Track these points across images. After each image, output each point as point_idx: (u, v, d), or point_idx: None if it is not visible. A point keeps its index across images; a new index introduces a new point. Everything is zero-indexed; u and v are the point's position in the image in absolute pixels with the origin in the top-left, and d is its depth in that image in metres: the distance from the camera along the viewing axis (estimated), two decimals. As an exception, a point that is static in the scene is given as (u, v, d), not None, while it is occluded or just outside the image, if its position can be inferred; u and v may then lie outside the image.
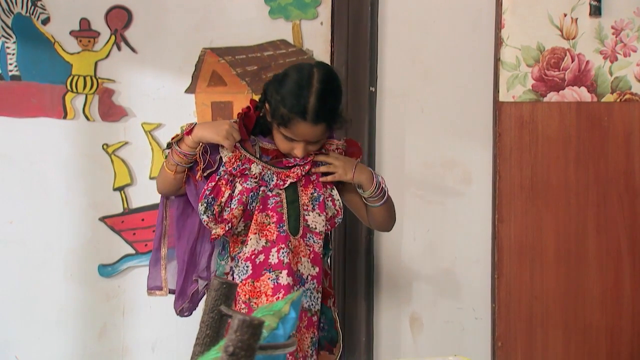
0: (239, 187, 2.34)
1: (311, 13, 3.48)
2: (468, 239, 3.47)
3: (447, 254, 3.51)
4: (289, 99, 2.31)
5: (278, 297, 2.24)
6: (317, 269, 2.36)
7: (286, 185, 2.36)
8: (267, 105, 2.40)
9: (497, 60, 3.34)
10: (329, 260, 2.51)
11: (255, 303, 2.31)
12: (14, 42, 3.47)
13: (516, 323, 3.32)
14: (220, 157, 2.39)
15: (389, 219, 2.52)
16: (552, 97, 3.32)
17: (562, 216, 3.30)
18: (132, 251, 3.54)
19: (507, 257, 3.31)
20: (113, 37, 3.50)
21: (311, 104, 2.28)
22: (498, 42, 3.33)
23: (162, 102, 3.52)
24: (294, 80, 2.33)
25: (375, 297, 3.53)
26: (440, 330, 3.51)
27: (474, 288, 3.48)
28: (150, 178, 3.54)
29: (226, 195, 2.32)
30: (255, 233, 2.32)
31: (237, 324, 1.24)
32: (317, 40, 3.50)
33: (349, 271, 3.52)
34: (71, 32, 3.50)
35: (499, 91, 3.33)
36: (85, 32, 3.50)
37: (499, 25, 3.33)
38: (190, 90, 3.51)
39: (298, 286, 2.32)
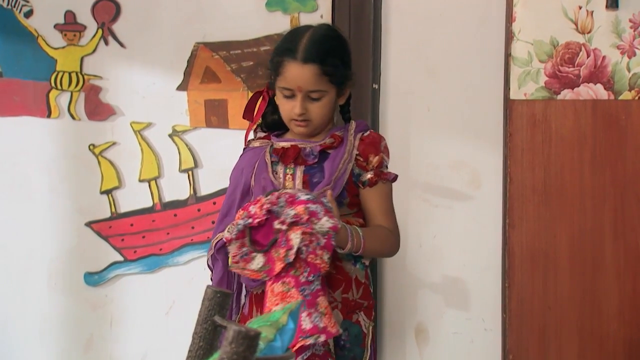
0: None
1: (310, 5, 3.48)
2: (477, 245, 3.47)
3: (454, 261, 3.51)
4: (281, 44, 2.38)
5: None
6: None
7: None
8: (268, 83, 2.44)
9: (507, 55, 3.33)
10: (363, 268, 2.42)
11: None
12: (-5, 36, 3.47)
13: (528, 334, 3.32)
14: None
15: (380, 255, 2.53)
16: (567, 94, 3.31)
17: (577, 221, 3.29)
18: (121, 258, 3.54)
19: (518, 264, 3.31)
20: (100, 31, 3.50)
21: (302, 43, 2.32)
22: (509, 37, 3.33)
23: (152, 100, 3.51)
24: (289, 32, 2.42)
25: (379, 308, 3.53)
26: (447, 342, 3.51)
27: (483, 297, 3.48)
28: (140, 181, 3.53)
29: None
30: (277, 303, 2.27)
31: (232, 335, 1.24)
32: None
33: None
34: (55, 26, 3.50)
35: (509, 88, 3.32)
36: (70, 26, 3.50)
37: (509, 19, 3.32)
38: (182, 87, 3.51)
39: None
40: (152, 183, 3.51)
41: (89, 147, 3.53)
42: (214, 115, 3.50)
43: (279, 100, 2.39)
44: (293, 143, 2.40)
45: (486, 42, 3.45)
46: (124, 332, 3.55)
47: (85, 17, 3.50)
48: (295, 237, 2.17)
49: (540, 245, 3.30)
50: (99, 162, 3.53)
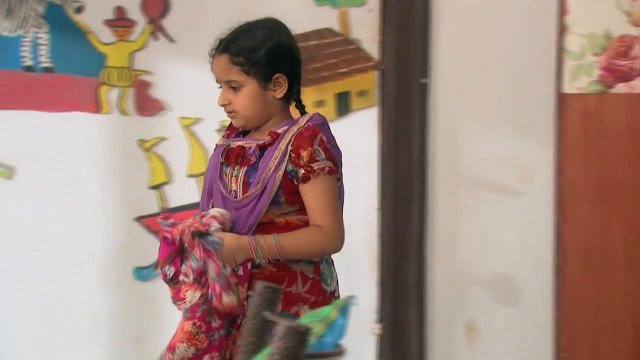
0: None
1: (358, 0, 3.47)
2: (528, 241, 3.44)
3: (505, 257, 3.48)
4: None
5: None
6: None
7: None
8: None
9: (560, 49, 3.30)
10: (310, 264, 2.36)
11: None
12: (46, 32, 3.50)
13: (581, 333, 3.28)
14: None
15: (308, 256, 2.37)
16: (621, 88, 3.27)
17: (632, 217, 3.25)
18: (170, 253, 3.55)
19: (571, 261, 3.27)
20: (149, 27, 3.52)
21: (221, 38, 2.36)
22: (561, 30, 3.29)
23: (201, 95, 3.52)
24: None
25: (427, 304, 3.51)
26: (497, 340, 3.48)
27: (534, 294, 3.44)
28: (188, 176, 3.55)
29: None
30: None
31: (283, 330, 1.24)
32: (365, 28, 3.49)
33: (399, 276, 3.50)
34: (105, 22, 3.52)
35: (562, 82, 3.29)
36: (120, 22, 3.52)
37: (562, 12, 3.29)
38: (230, 82, 3.51)
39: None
40: (201, 178, 3.53)
41: (138, 142, 3.56)
42: (263, 110, 3.50)
43: None
44: (241, 143, 2.38)
45: (537, 35, 3.41)
46: (174, 327, 3.57)
47: (134, 12, 3.52)
48: (189, 295, 2.27)
49: (594, 241, 3.27)
50: (148, 158, 3.55)
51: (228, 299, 2.25)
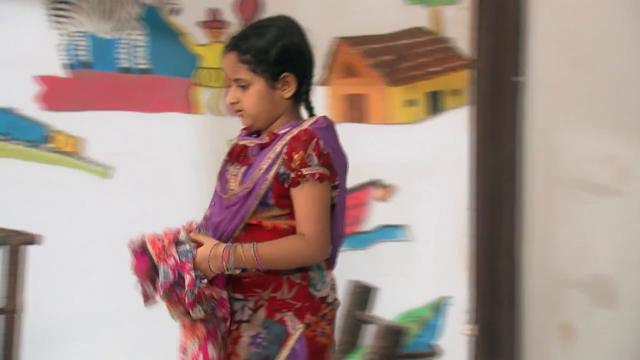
0: None
1: (453, -4, 3.45)
2: (627, 242, 3.37)
3: (601, 258, 3.42)
4: None
5: None
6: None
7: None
8: None
9: (659, 45, 3.22)
10: (298, 270, 2.29)
11: None
12: (143, 34, 3.57)
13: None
14: None
15: (289, 265, 2.28)
16: None
17: None
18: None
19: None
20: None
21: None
22: (661, 25, 3.21)
23: (294, 95, 3.55)
24: None
25: (521, 305, 3.47)
26: (594, 342, 3.43)
27: (632, 296, 3.38)
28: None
29: None
30: None
31: (379, 330, 1.24)
32: (458, 26, 3.46)
33: (490, 276, 3.47)
34: (200, 23, 3.57)
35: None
36: (214, 23, 3.57)
37: (661, 7, 3.21)
38: (321, 82, 3.53)
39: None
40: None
41: (230, 142, 3.59)
42: (354, 110, 3.51)
43: None
44: (245, 141, 2.33)
45: (635, 32, 3.34)
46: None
47: (228, 14, 3.56)
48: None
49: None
50: (240, 157, 3.59)
51: (197, 314, 2.23)
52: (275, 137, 2.28)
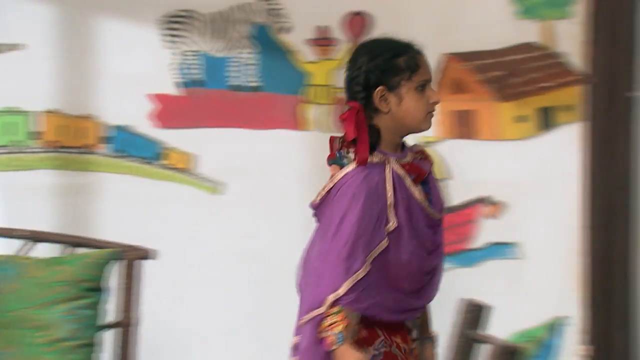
0: None
1: (565, 12, 3.39)
2: None
3: None
4: (389, 48, 2.28)
5: None
6: None
7: None
8: (376, 93, 2.23)
9: None
10: None
11: None
12: (254, 53, 3.63)
13: None
14: None
15: None
16: None
17: None
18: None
19: None
20: (352, 45, 3.57)
21: (404, 40, 2.30)
22: None
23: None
24: (376, 47, 2.29)
25: (636, 325, 3.38)
26: None
27: None
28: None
29: None
30: None
31: (495, 350, 1.22)
32: (570, 41, 3.40)
33: (604, 295, 3.40)
34: (309, 41, 3.61)
35: None
36: (323, 41, 3.60)
37: None
38: (430, 98, 3.51)
39: None
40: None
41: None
42: (463, 126, 3.48)
43: (410, 100, 2.23)
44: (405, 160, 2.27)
45: None
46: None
47: (337, 31, 3.59)
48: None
49: None
50: (348, 173, 3.60)
51: None
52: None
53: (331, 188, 2.24)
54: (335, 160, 2.28)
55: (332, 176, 2.26)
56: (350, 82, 2.27)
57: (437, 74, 3.51)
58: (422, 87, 2.25)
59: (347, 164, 2.23)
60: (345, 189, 2.20)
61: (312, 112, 3.63)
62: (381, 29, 3.55)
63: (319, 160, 3.61)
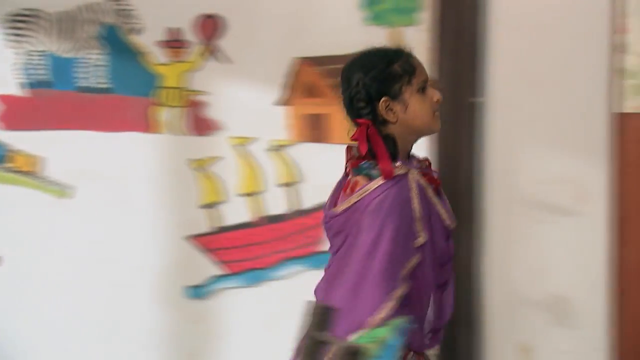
0: None
1: (412, 19, 3.46)
2: (584, 262, 3.39)
3: (561, 277, 3.44)
4: (385, 55, 2.23)
5: None
6: None
7: None
8: (381, 105, 2.20)
9: (616, 67, 3.26)
10: None
11: None
12: (103, 54, 3.56)
13: (640, 356, 3.22)
14: None
15: None
16: (679, 107, 3.22)
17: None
18: (221, 272, 3.57)
19: (633, 283, 3.22)
20: (204, 47, 3.55)
21: (399, 47, 2.27)
22: (618, 48, 3.25)
23: (254, 115, 3.55)
24: (367, 60, 2.24)
25: (479, 326, 3.48)
26: (553, 362, 3.44)
27: (590, 316, 3.39)
28: (240, 195, 3.57)
29: None
30: None
31: (336, 351, 1.23)
32: (417, 47, 3.47)
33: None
34: (160, 42, 3.57)
35: (620, 101, 3.25)
36: (175, 43, 3.57)
37: (617, 30, 3.25)
38: (282, 101, 3.53)
39: None
40: (253, 197, 3.55)
41: (190, 161, 3.59)
42: (316, 129, 3.51)
43: (415, 103, 2.21)
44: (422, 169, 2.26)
45: (591, 54, 3.37)
46: (225, 347, 3.58)
47: (189, 33, 3.56)
48: None
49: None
50: (201, 176, 3.58)
51: None
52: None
53: (357, 201, 2.16)
54: (359, 169, 2.21)
55: (352, 186, 2.19)
56: (350, 100, 2.21)
57: (289, 77, 3.53)
58: (423, 88, 2.23)
59: (377, 176, 2.16)
60: (378, 205, 2.12)
61: (164, 115, 3.59)
62: (233, 32, 3.55)
63: (170, 163, 3.60)
